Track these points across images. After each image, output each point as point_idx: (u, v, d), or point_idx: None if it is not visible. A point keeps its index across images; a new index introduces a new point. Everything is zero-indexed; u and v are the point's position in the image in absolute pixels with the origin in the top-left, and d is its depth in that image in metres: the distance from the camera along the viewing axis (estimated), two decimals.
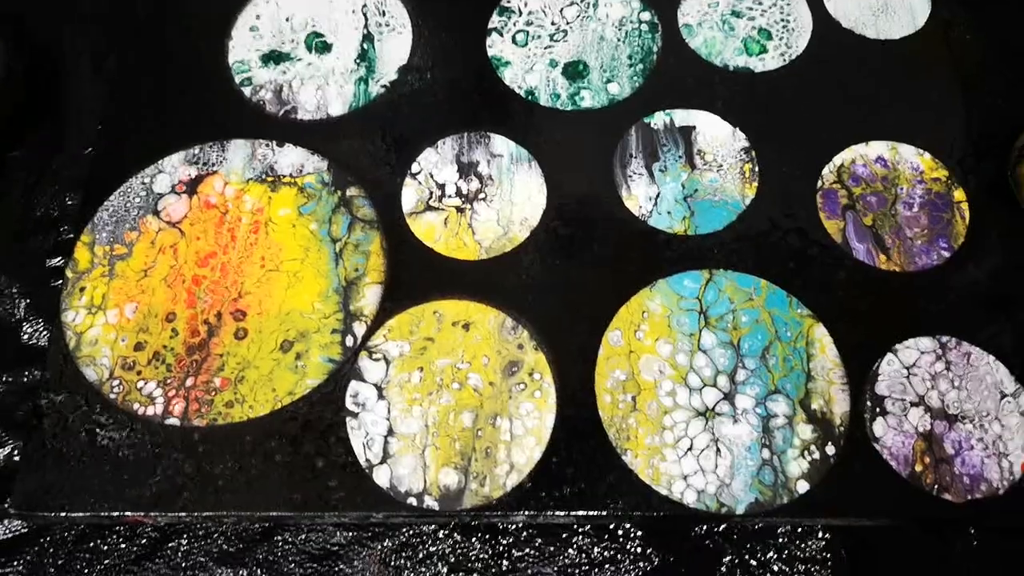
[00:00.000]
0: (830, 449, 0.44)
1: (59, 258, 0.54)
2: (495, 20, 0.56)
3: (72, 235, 0.52)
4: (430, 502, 0.44)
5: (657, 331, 0.47)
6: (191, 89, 0.55)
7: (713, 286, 0.48)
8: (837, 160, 0.51)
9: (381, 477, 0.44)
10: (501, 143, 0.52)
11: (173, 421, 0.46)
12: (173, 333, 0.48)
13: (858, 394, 0.45)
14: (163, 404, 0.46)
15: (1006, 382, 0.45)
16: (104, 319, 0.49)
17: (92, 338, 0.48)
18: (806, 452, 0.44)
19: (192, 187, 0.52)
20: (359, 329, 0.48)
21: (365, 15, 0.57)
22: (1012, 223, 0.49)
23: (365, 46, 0.56)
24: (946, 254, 0.48)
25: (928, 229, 0.49)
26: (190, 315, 0.48)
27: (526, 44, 0.55)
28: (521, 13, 0.56)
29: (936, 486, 0.43)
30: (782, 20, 0.55)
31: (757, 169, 0.51)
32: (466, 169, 0.52)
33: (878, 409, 0.44)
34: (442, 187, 0.51)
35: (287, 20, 0.56)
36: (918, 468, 0.43)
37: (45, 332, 0.52)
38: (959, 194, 0.50)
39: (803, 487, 0.43)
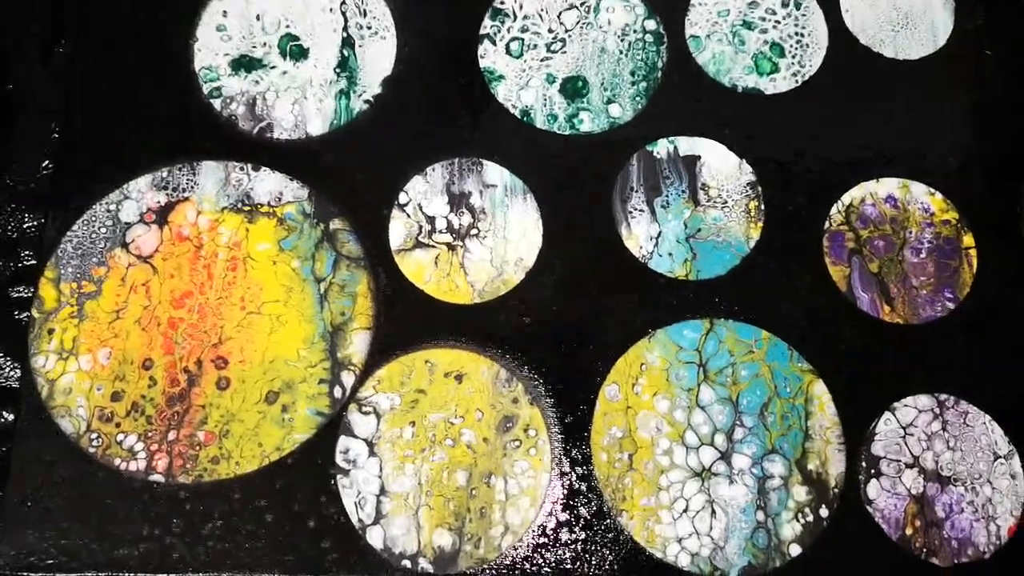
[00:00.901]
0: (823, 511, 0.45)
1: (22, 287, 0.51)
2: (487, 25, 0.52)
3: (34, 260, 0.49)
4: (425, 564, 0.44)
5: (655, 385, 0.46)
6: (154, 98, 0.51)
7: (713, 337, 0.47)
8: (846, 198, 0.49)
9: (375, 538, 0.44)
10: (495, 172, 0.50)
11: (157, 477, 0.45)
12: (151, 382, 0.46)
13: (854, 455, 0.45)
14: (146, 459, 0.45)
15: (1000, 443, 0.46)
16: (77, 365, 0.47)
17: (65, 386, 0.46)
18: (800, 514, 0.45)
19: (162, 216, 0.49)
20: (347, 379, 0.47)
21: (344, 15, 0.52)
22: (1020, 272, 0.48)
23: (345, 52, 0.52)
24: (951, 305, 0.48)
25: (934, 278, 0.48)
26: (168, 362, 0.47)
27: (521, 55, 0.52)
28: (516, 17, 0.52)
29: (924, 550, 0.44)
30: (796, 34, 0.52)
31: (763, 207, 0.49)
32: (457, 201, 0.49)
33: (873, 471, 0.45)
34: (432, 221, 0.49)
35: (257, 19, 0.52)
36: (908, 531, 0.44)
37: (14, 371, 0.49)
38: (968, 239, 0.49)
39: (796, 550, 0.44)
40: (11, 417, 0.49)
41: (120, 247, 0.49)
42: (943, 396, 0.47)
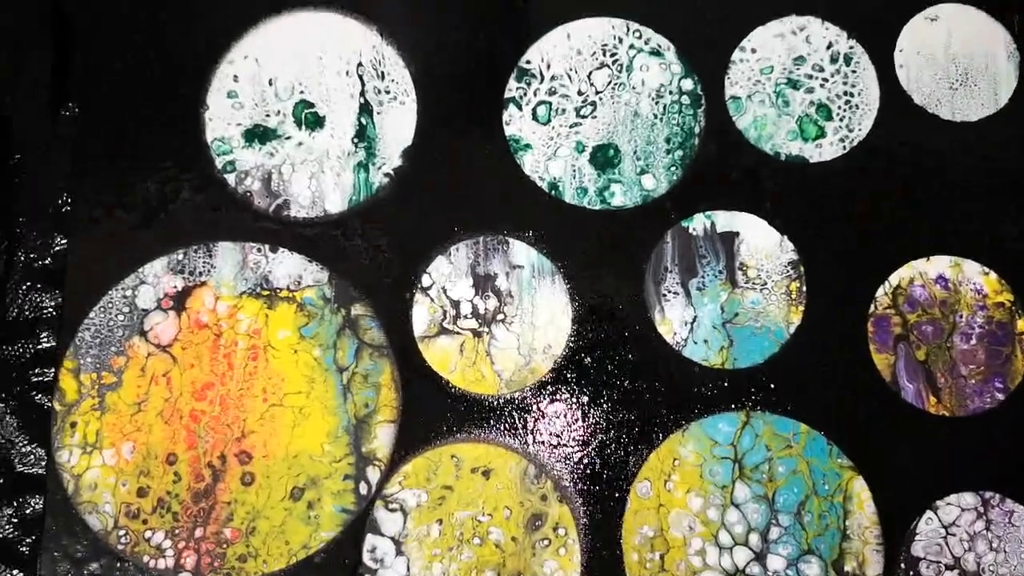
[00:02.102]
0: None
1: (42, 368, 0.51)
2: (512, 87, 0.50)
3: (52, 342, 0.49)
4: None
5: (688, 482, 0.46)
6: (166, 171, 0.49)
7: (750, 430, 0.46)
8: (894, 279, 0.48)
9: None
10: (522, 251, 0.48)
11: (187, 575, 0.46)
12: (176, 477, 0.47)
13: (893, 556, 0.45)
14: (174, 557, 0.46)
15: None
16: (101, 460, 0.47)
17: (91, 482, 0.47)
18: None
19: (179, 302, 0.48)
20: (373, 475, 0.47)
21: (361, 78, 0.50)
22: None
23: (363, 120, 0.50)
24: (1000, 396, 0.46)
25: (985, 366, 0.46)
26: (192, 457, 0.47)
27: (548, 120, 0.50)
28: (543, 78, 0.50)
29: None
30: (846, 93, 0.49)
31: (804, 289, 0.47)
32: (483, 283, 0.48)
33: (912, 572, 0.45)
34: (457, 305, 0.48)
35: (270, 83, 0.50)
36: None
37: (40, 458, 0.50)
38: (1022, 324, 0.47)
39: None
40: (39, 505, 0.49)
41: (138, 335, 0.49)
42: (988, 494, 0.46)
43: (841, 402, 0.48)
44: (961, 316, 0.49)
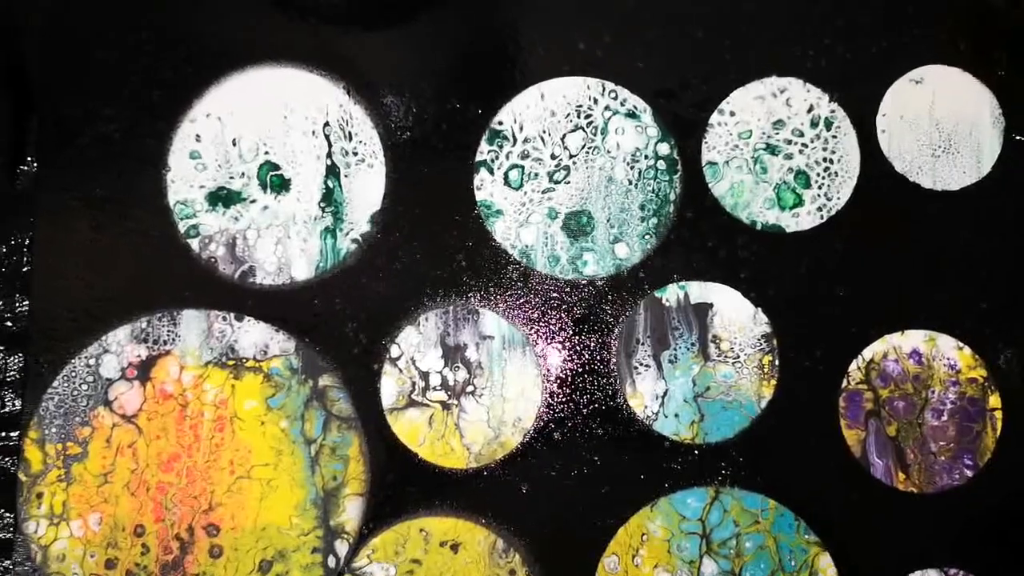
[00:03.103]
0: None
1: (5, 432, 0.51)
2: (484, 150, 0.49)
3: (17, 405, 0.49)
4: None
5: (656, 556, 0.47)
6: (127, 237, 0.49)
7: (718, 506, 0.47)
8: (867, 353, 0.48)
9: None
10: (492, 322, 0.48)
11: None
12: (144, 549, 0.48)
13: None
14: None
15: None
16: (68, 531, 0.48)
17: (59, 553, 0.48)
18: None
19: (144, 371, 0.49)
20: (341, 548, 0.48)
21: (328, 138, 0.49)
22: None
23: (330, 183, 0.49)
24: (969, 473, 0.47)
25: (955, 443, 0.47)
26: (159, 528, 0.48)
27: (520, 186, 0.49)
28: (515, 140, 0.49)
29: None
30: (825, 160, 0.49)
31: (777, 363, 0.47)
32: (452, 355, 0.48)
33: None
34: (426, 377, 0.48)
35: (233, 144, 0.49)
36: None
37: (7, 524, 0.50)
38: (994, 400, 0.47)
39: None
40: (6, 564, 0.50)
41: (103, 405, 0.49)
42: (953, 570, 0.47)
43: (810, 478, 0.49)
44: (933, 392, 0.49)
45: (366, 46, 0.52)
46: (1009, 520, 0.49)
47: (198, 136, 0.52)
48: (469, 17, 0.53)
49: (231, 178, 0.52)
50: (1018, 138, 0.51)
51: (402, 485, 0.50)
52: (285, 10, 0.52)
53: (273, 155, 0.52)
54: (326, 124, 0.52)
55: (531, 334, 0.50)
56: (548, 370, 0.50)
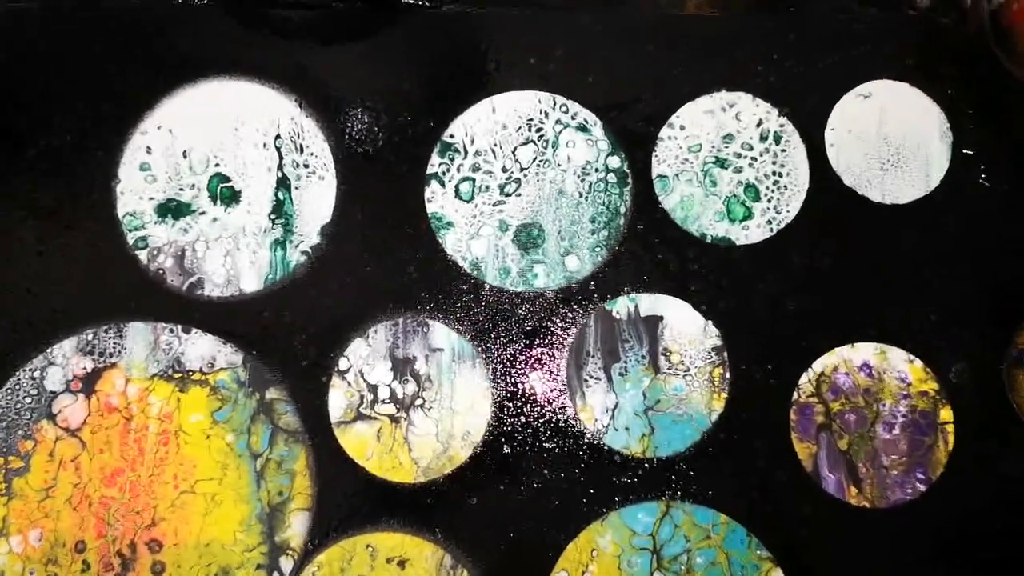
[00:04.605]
0: None
1: None
2: (435, 162, 0.50)
3: None
4: None
5: (606, 572, 0.47)
6: (75, 249, 0.50)
7: (669, 521, 0.47)
8: (818, 366, 0.49)
9: None
10: (442, 334, 0.49)
11: None
12: (84, 566, 0.48)
13: None
14: None
15: None
16: (8, 547, 0.48)
17: None
18: None
19: (89, 384, 0.49)
20: (286, 565, 0.48)
21: (279, 151, 0.50)
22: (999, 450, 0.48)
23: (280, 195, 0.50)
24: (922, 487, 0.48)
25: (907, 457, 0.48)
26: (101, 545, 0.48)
27: (472, 199, 0.50)
28: (466, 153, 0.50)
29: None
30: (775, 173, 0.50)
31: (728, 376, 0.48)
32: (401, 367, 0.49)
33: None
34: (374, 390, 0.48)
35: (184, 156, 0.50)
36: None
37: None
38: (946, 413, 0.48)
39: None
40: None
41: (47, 419, 0.49)
42: None
43: (762, 492, 0.49)
44: (885, 405, 0.50)
45: (319, 60, 0.54)
46: (964, 535, 0.50)
47: (149, 148, 0.53)
48: (423, 32, 0.54)
49: (181, 190, 0.52)
50: (967, 152, 0.53)
51: (349, 500, 0.50)
52: (241, 22, 0.54)
53: (224, 167, 0.53)
54: (277, 136, 0.53)
55: (481, 346, 0.51)
56: (498, 384, 0.51)
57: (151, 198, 0.52)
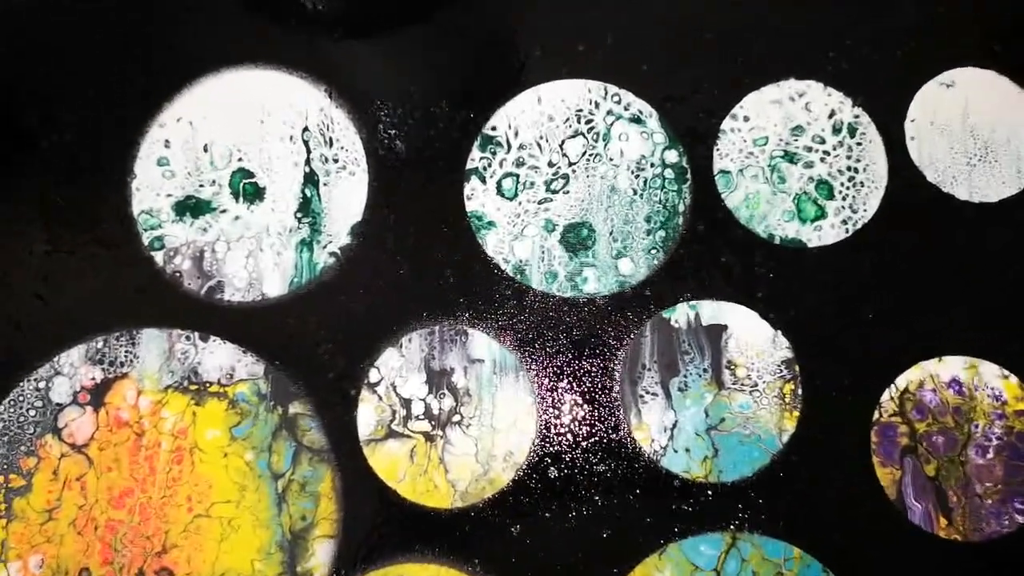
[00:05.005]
0: None
1: None
2: (476, 157, 0.46)
3: None
4: None
5: None
6: (85, 250, 0.46)
7: (735, 554, 0.43)
8: (901, 382, 0.44)
9: None
10: (482, 344, 0.45)
11: None
12: None
13: None
14: None
15: None
16: (6, 573, 0.44)
17: None
18: None
19: (98, 396, 0.45)
20: None
21: (307, 144, 0.47)
22: None
23: (307, 192, 0.47)
24: (1020, 519, 0.43)
25: (1003, 484, 0.43)
26: (107, 572, 0.44)
27: (515, 196, 0.46)
28: (509, 147, 0.46)
29: None
30: (849, 168, 0.46)
31: (800, 392, 0.44)
32: (438, 380, 0.45)
33: None
34: (408, 404, 0.44)
35: (205, 149, 0.46)
36: None
37: None
38: None
39: None
40: None
41: (51, 433, 0.46)
42: None
43: (840, 523, 0.45)
44: (977, 426, 0.45)
45: (350, 48, 0.50)
46: None
47: (167, 142, 0.49)
48: (463, 17, 0.50)
49: (201, 186, 0.49)
50: None
51: (379, 527, 0.46)
52: (265, 13, 0.50)
53: (247, 162, 0.49)
54: (305, 129, 0.49)
55: (525, 358, 0.47)
56: (544, 399, 0.46)
57: (169, 195, 0.49)
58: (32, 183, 0.49)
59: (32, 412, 0.47)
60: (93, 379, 0.47)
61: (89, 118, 0.49)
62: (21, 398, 0.47)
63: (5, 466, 0.46)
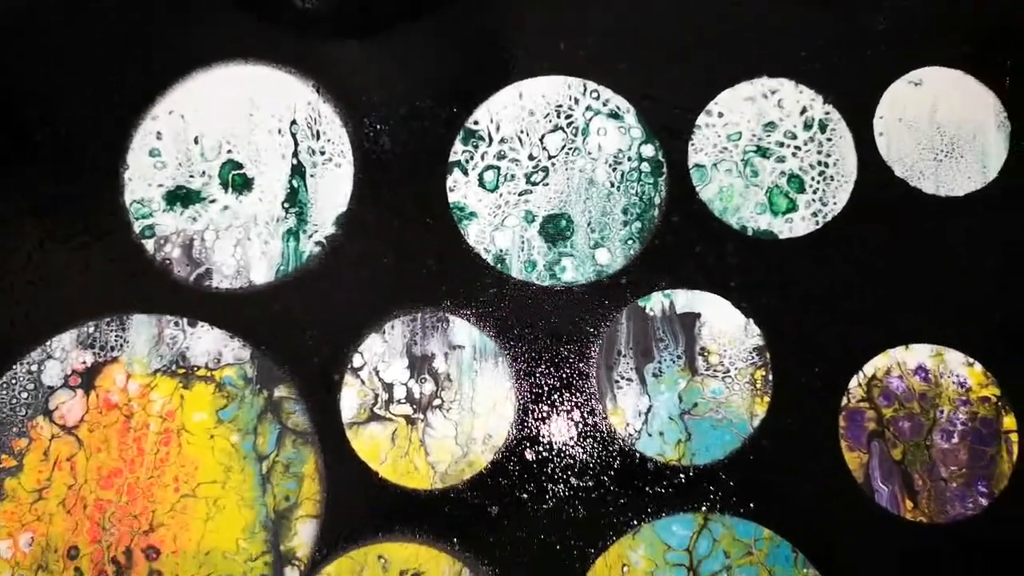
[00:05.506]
0: None
1: None
2: (458, 150, 0.48)
3: None
4: None
5: None
6: (78, 237, 0.48)
7: (707, 535, 0.44)
8: (869, 369, 0.46)
9: None
10: (463, 330, 0.47)
11: None
12: (77, 573, 0.45)
13: None
14: None
15: None
16: None
17: None
18: None
19: (88, 379, 0.47)
20: None
21: (294, 137, 0.48)
22: None
23: (295, 183, 0.48)
24: (984, 501, 0.44)
25: (967, 468, 0.44)
26: (95, 551, 0.45)
27: (496, 187, 0.48)
28: (491, 140, 0.48)
29: None
30: (820, 163, 0.47)
31: (771, 378, 0.45)
32: (419, 365, 0.46)
33: None
34: (390, 389, 0.46)
35: (196, 142, 0.48)
36: None
37: None
38: (1009, 421, 0.45)
39: None
40: None
41: (42, 415, 0.47)
42: None
43: (808, 505, 0.46)
44: (942, 411, 0.47)
45: (337, 45, 0.52)
46: None
47: (159, 134, 0.51)
48: (449, 17, 0.52)
49: (191, 177, 0.51)
50: None
51: (361, 507, 0.47)
52: (255, 12, 0.52)
53: (236, 154, 0.51)
54: (293, 122, 0.51)
55: (505, 344, 0.48)
56: (523, 384, 0.48)
57: (160, 185, 0.50)
58: (27, 174, 0.50)
59: (24, 395, 0.48)
60: (84, 363, 0.49)
61: (83, 111, 0.51)
62: (14, 381, 0.49)
63: None
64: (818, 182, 0.50)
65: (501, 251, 0.49)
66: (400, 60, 0.52)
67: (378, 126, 0.51)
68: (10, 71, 0.51)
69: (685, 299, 0.49)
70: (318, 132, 0.51)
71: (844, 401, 0.47)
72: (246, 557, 0.47)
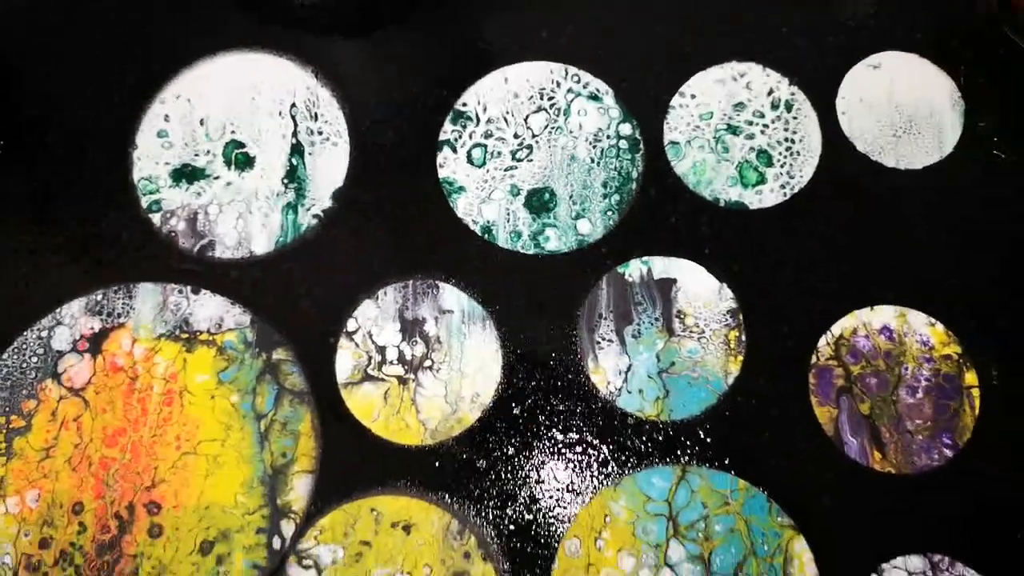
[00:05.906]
0: None
1: None
2: (448, 129, 0.51)
3: None
4: None
5: (620, 540, 0.46)
6: (89, 212, 0.51)
7: (685, 486, 0.46)
8: (836, 329, 0.48)
9: None
10: (452, 296, 0.49)
11: None
12: (81, 528, 0.47)
13: None
14: None
15: None
16: (4, 508, 0.47)
17: None
18: None
19: (96, 344, 0.49)
20: (287, 529, 0.47)
21: (294, 118, 0.52)
22: None
23: (294, 160, 0.51)
24: (949, 453, 0.46)
25: (932, 421, 0.47)
26: (99, 506, 0.47)
27: (484, 164, 0.51)
28: (479, 121, 0.51)
29: None
30: (786, 140, 0.51)
31: (744, 338, 0.48)
32: (410, 328, 0.49)
33: None
34: (382, 351, 0.48)
35: (201, 123, 0.52)
36: None
37: None
38: (971, 377, 0.47)
39: None
40: None
41: (51, 378, 0.49)
42: (937, 557, 0.46)
43: (781, 457, 0.48)
44: (907, 368, 0.49)
45: (335, 37, 0.56)
46: (994, 502, 0.48)
47: (167, 116, 0.55)
48: (440, 9, 0.56)
49: (196, 156, 0.54)
50: (981, 125, 0.54)
51: (354, 462, 0.49)
52: (255, 11, 0.56)
53: (239, 134, 0.54)
54: (293, 105, 0.55)
55: (492, 309, 0.51)
56: (509, 345, 0.51)
57: (166, 163, 0.54)
58: (42, 151, 0.54)
59: (34, 359, 0.51)
60: (92, 328, 0.51)
61: (95, 95, 0.54)
62: (24, 346, 0.51)
63: (7, 408, 0.50)
64: (785, 157, 0.53)
65: (488, 222, 0.53)
66: (393, 51, 0.56)
67: (373, 108, 0.54)
68: (23, 53, 0.55)
69: (662, 265, 0.52)
70: (316, 114, 0.54)
71: (814, 359, 0.50)
72: (244, 511, 0.49)
